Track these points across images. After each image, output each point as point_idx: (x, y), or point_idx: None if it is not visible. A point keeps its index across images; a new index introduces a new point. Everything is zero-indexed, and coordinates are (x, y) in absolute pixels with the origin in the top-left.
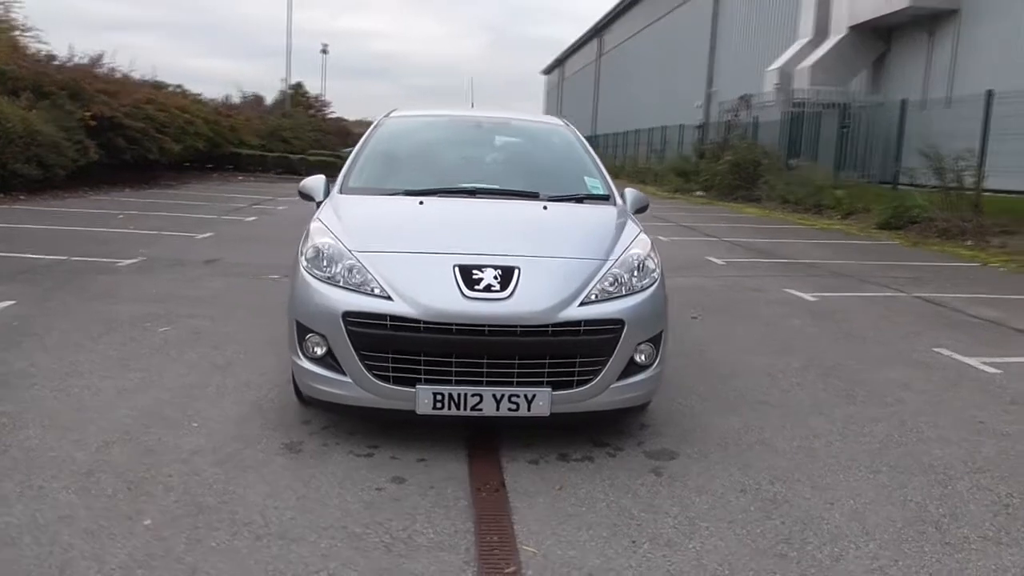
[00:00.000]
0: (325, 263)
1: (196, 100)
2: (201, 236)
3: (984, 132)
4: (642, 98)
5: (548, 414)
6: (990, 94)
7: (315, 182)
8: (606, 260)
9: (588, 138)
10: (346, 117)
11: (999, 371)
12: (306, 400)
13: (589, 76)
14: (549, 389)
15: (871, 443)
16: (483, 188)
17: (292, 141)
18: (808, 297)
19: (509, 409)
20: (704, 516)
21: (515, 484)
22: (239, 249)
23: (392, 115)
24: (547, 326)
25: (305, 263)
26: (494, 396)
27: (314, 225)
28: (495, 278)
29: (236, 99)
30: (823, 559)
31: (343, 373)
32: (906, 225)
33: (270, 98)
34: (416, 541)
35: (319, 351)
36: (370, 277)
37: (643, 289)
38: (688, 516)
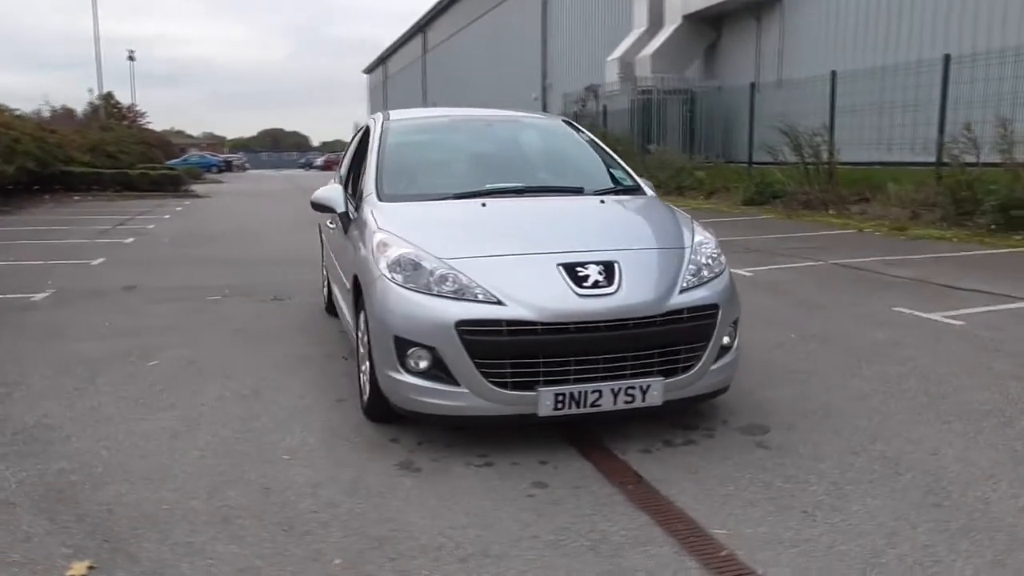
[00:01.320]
0: (410, 273)
1: (17, 116)
2: (95, 263)
3: (831, 110)
4: (475, 93)
5: (661, 403)
6: (834, 75)
7: (333, 192)
8: (684, 248)
9: None
10: (154, 127)
11: (963, 322)
12: (397, 414)
13: (415, 73)
14: (662, 378)
15: (920, 397)
16: (531, 187)
17: (119, 156)
18: (744, 272)
19: (625, 402)
20: (844, 480)
21: (650, 474)
22: (146, 272)
23: (392, 118)
24: (655, 316)
25: (390, 275)
26: (612, 391)
27: (382, 236)
28: (599, 274)
29: (46, 113)
30: (975, 503)
31: (456, 384)
32: (769, 200)
33: (79, 110)
34: (613, 540)
35: (423, 364)
36: (467, 283)
37: (720, 274)
38: (830, 482)
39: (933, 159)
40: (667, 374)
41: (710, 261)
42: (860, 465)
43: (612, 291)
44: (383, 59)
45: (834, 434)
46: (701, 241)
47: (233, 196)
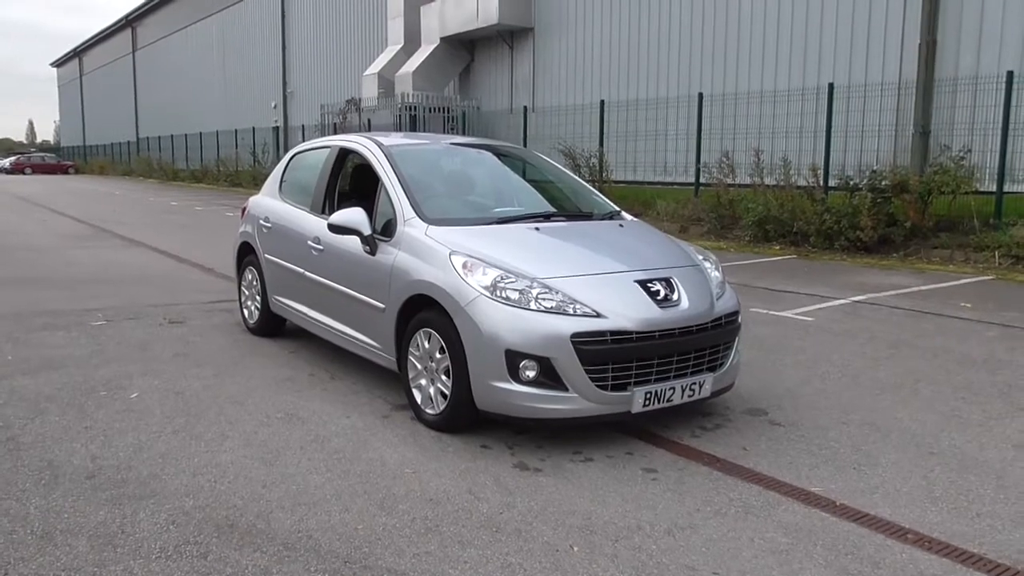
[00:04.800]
0: (513, 292)
1: None
2: None
3: (601, 134)
4: (202, 98)
5: (709, 394)
6: (603, 104)
7: (358, 215)
8: (697, 265)
9: (134, 142)
10: None
11: (812, 319)
12: (469, 423)
13: (123, 71)
14: (712, 374)
15: (842, 378)
16: (556, 212)
17: None
18: None
19: (688, 396)
20: (857, 443)
21: (716, 454)
22: None
23: (387, 143)
24: (708, 323)
25: (491, 295)
26: (681, 387)
27: (463, 258)
28: (665, 288)
29: None
30: (951, 447)
31: (566, 389)
32: None
33: None
34: (754, 504)
35: (531, 374)
36: (564, 300)
37: (727, 284)
38: (849, 446)
39: (692, 180)
40: (712, 370)
41: (718, 274)
42: (856, 432)
43: (680, 303)
44: (78, 52)
45: (817, 411)
46: (704, 258)
47: None
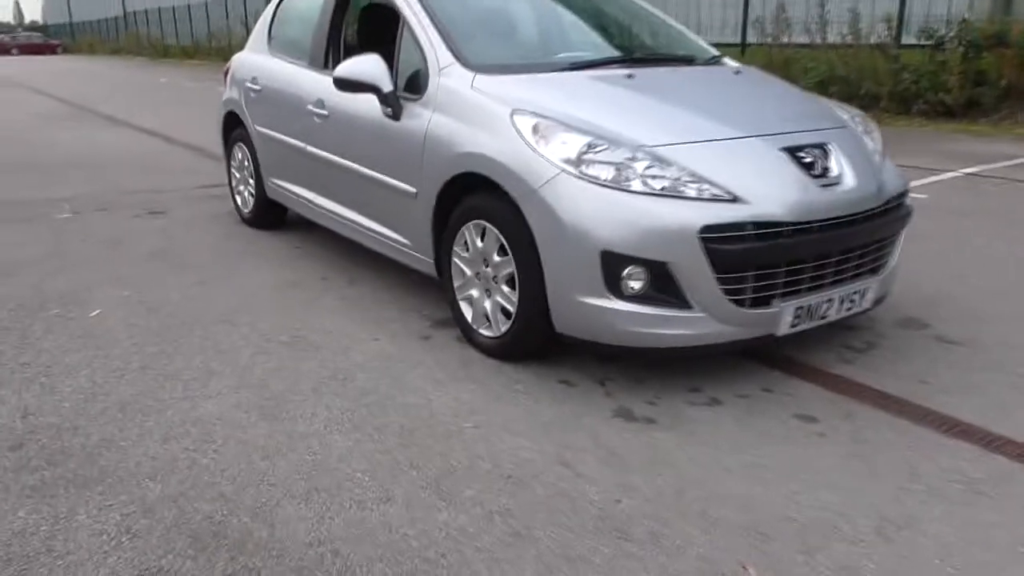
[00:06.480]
0: (600, 169)
1: None
2: None
3: None
4: None
5: (871, 305)
6: None
7: (373, 64)
8: (848, 127)
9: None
10: None
11: (924, 195)
12: (535, 350)
13: None
14: (876, 277)
15: (999, 268)
16: (642, 57)
17: None
18: None
19: (847, 308)
20: None
21: (887, 389)
22: None
23: None
24: (876, 208)
25: (574, 171)
26: (840, 298)
27: (533, 119)
28: (822, 158)
29: None
30: None
31: (688, 307)
32: None
33: None
34: (976, 477)
35: (637, 286)
36: (679, 176)
37: (885, 154)
38: None
39: (735, 40)
40: (874, 273)
41: (872, 141)
42: None
43: (842, 180)
44: None
45: (995, 322)
46: (851, 116)
47: None
